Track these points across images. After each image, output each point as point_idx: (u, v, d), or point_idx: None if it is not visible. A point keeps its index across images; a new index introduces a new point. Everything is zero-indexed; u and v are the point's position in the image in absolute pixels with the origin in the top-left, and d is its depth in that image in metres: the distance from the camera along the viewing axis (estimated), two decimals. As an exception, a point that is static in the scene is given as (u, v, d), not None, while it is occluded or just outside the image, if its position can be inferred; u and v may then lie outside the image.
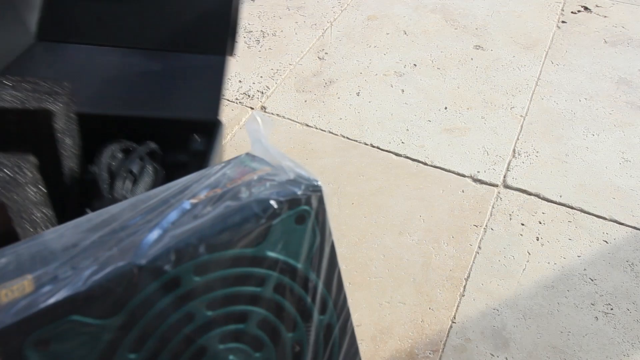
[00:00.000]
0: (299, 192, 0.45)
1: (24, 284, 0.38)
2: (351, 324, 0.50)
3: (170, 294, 0.41)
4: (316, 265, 0.46)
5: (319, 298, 0.47)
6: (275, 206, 0.43)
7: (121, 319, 0.40)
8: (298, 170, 0.48)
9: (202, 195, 0.44)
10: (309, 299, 0.47)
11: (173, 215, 0.42)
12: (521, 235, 1.35)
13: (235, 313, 0.44)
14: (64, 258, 0.39)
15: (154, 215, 0.42)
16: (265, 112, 1.74)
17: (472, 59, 1.95)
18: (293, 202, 0.44)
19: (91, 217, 0.44)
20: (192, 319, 0.43)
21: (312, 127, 1.68)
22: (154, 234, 0.41)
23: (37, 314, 0.37)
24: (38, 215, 0.55)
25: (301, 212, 0.45)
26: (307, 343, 0.47)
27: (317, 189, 0.46)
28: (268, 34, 2.07)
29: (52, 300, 0.37)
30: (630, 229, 1.37)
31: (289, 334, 0.47)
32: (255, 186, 0.44)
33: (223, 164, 0.49)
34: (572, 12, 2.18)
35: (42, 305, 0.37)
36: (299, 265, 0.46)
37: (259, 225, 0.42)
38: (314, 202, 0.45)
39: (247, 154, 0.52)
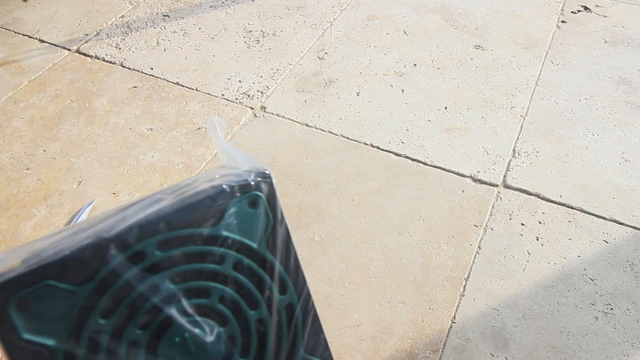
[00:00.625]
0: (250, 179, 0.50)
1: (13, 264, 0.44)
2: (312, 304, 0.54)
3: (136, 266, 0.46)
4: (272, 246, 0.51)
5: (277, 278, 0.51)
6: (228, 190, 0.48)
7: (92, 287, 0.45)
8: (251, 162, 0.52)
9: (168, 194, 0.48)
10: (268, 278, 0.51)
11: (139, 205, 0.48)
12: (521, 235, 1.35)
13: (198, 288, 0.49)
14: (49, 245, 0.43)
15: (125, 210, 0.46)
16: (265, 112, 1.74)
17: (472, 58, 1.95)
18: (244, 187, 0.49)
19: (80, 224, 0.48)
20: (158, 291, 0.47)
21: (312, 127, 1.68)
22: (120, 216, 0.47)
23: (18, 277, 0.43)
24: None
25: (253, 196, 0.50)
26: (270, 321, 0.50)
27: (266, 177, 0.51)
28: (268, 34, 2.07)
29: (31, 268, 0.43)
30: (630, 229, 1.37)
31: (252, 312, 0.50)
32: (214, 180, 0.49)
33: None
34: (572, 12, 2.18)
35: (23, 271, 0.43)
36: (255, 245, 0.51)
37: (214, 206, 0.47)
38: (264, 188, 0.50)
39: (220, 167, 0.57)
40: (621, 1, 2.23)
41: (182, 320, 0.48)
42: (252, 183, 0.50)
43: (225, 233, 0.49)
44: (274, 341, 0.51)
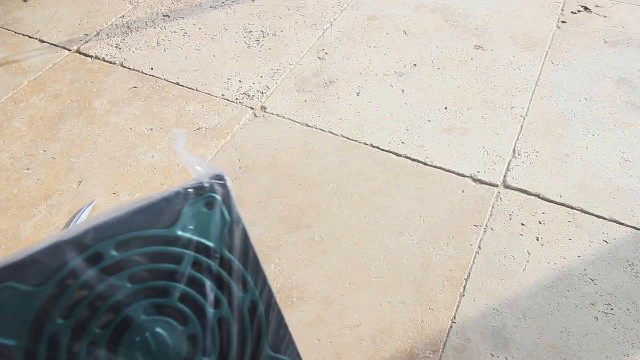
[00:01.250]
0: (204, 182, 0.51)
1: None
2: (275, 302, 0.54)
3: (94, 267, 0.47)
4: (230, 245, 0.52)
5: (237, 276, 0.52)
6: (182, 192, 0.50)
7: (51, 287, 0.47)
8: (208, 167, 0.53)
9: None
10: (227, 277, 0.52)
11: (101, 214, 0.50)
12: (521, 235, 1.35)
13: (157, 287, 0.50)
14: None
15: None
16: (265, 112, 1.74)
17: (472, 59, 1.95)
18: (199, 189, 0.51)
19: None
20: (117, 291, 0.49)
21: (312, 127, 1.68)
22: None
23: None
24: None
25: (208, 198, 0.51)
26: (232, 319, 0.51)
27: (221, 179, 0.52)
28: (268, 34, 2.07)
29: None
30: (630, 229, 1.37)
31: (212, 310, 0.51)
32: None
33: None
34: (572, 12, 2.18)
35: None
36: (212, 244, 0.51)
37: (169, 208, 0.49)
38: (219, 189, 0.52)
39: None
40: (621, 1, 2.23)
41: (142, 319, 0.49)
42: (207, 185, 0.52)
43: (180, 233, 0.51)
44: (238, 339, 0.51)
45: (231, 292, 0.52)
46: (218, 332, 0.51)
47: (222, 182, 0.53)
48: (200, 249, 0.51)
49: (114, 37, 2.06)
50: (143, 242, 0.49)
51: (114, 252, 0.48)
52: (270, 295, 0.53)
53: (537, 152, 1.59)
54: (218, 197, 0.52)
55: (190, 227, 0.51)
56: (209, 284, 0.51)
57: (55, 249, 0.47)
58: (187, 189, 0.52)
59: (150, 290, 0.50)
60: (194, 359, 0.50)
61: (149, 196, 0.51)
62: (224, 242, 0.52)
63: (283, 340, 0.54)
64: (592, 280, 1.25)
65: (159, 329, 0.50)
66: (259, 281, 0.53)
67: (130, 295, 0.49)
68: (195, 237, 0.51)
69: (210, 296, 0.51)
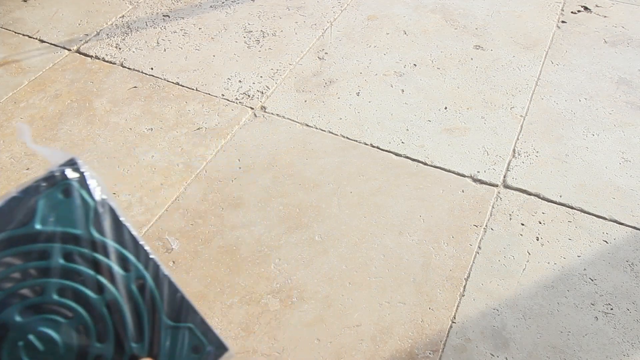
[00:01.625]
0: (55, 171, 0.51)
1: None
2: (164, 273, 0.54)
3: None
4: (99, 228, 0.51)
5: (115, 257, 0.51)
6: (33, 186, 0.49)
7: None
8: (58, 155, 0.53)
9: None
10: (104, 259, 0.52)
11: None
12: (521, 235, 1.35)
13: (30, 287, 0.49)
14: None
15: None
16: (265, 112, 1.74)
17: (472, 59, 1.95)
18: (50, 179, 0.50)
19: None
20: None
21: (312, 127, 1.68)
22: None
23: None
24: None
25: (63, 185, 0.50)
26: (121, 300, 0.51)
27: (73, 163, 0.51)
28: (268, 34, 2.07)
29: None
30: (630, 229, 1.37)
31: (97, 296, 0.51)
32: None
33: None
34: (572, 12, 2.18)
35: None
36: (79, 231, 0.50)
37: (22, 205, 0.48)
38: (72, 174, 0.51)
39: None
40: (621, 1, 2.23)
41: (18, 322, 0.48)
42: (58, 174, 0.51)
43: (40, 227, 0.49)
44: (132, 318, 0.51)
45: (113, 273, 0.51)
46: (109, 316, 0.51)
47: (75, 166, 0.52)
48: (67, 238, 0.50)
49: (114, 37, 2.06)
50: (2, 246, 0.48)
51: None
52: (157, 267, 0.53)
53: (537, 152, 1.59)
54: (73, 182, 0.51)
55: (51, 219, 0.50)
56: (85, 271, 0.50)
57: None
58: (37, 181, 0.51)
59: (22, 292, 0.49)
60: (89, 348, 0.50)
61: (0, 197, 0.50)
62: (92, 226, 0.51)
63: (181, 309, 0.54)
64: (592, 280, 1.25)
65: (42, 328, 0.49)
66: (141, 256, 0.53)
67: (1, 302, 0.48)
68: (58, 228, 0.50)
69: (91, 283, 0.51)
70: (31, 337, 0.48)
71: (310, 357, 1.10)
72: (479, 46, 2.01)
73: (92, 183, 0.53)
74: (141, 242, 0.53)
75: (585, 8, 2.20)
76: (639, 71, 1.88)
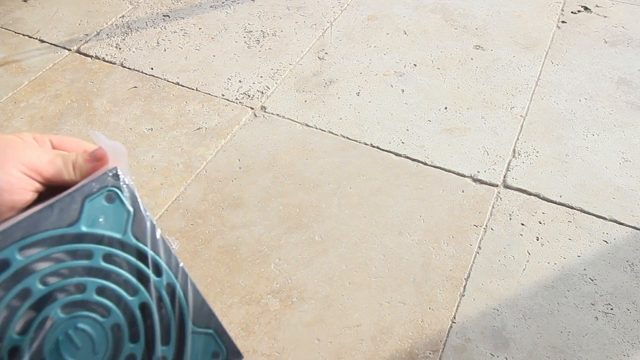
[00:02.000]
0: (98, 175, 0.55)
1: None
2: (191, 280, 0.58)
3: (1, 275, 0.48)
4: (139, 235, 0.55)
5: (150, 262, 0.54)
6: (80, 189, 0.53)
7: None
8: (112, 146, 0.60)
9: None
10: (140, 264, 0.55)
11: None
12: (521, 235, 1.35)
13: (73, 285, 0.52)
14: None
15: None
16: (265, 112, 1.74)
17: (472, 59, 1.95)
18: (96, 185, 0.54)
19: None
20: (30, 294, 0.50)
21: (312, 127, 1.68)
22: None
23: None
24: None
25: (107, 192, 0.54)
26: (152, 303, 0.54)
27: (114, 172, 0.55)
28: (268, 34, 2.07)
29: None
30: (630, 229, 1.37)
31: (132, 298, 0.54)
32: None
33: None
34: (572, 12, 2.18)
35: None
36: (119, 236, 0.53)
37: (70, 207, 0.52)
38: (115, 182, 0.55)
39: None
40: (621, 1, 2.23)
41: (60, 317, 0.51)
42: (105, 180, 0.55)
43: (85, 229, 0.53)
44: (161, 321, 0.54)
45: (147, 278, 0.54)
46: (141, 318, 0.53)
47: (116, 174, 0.56)
48: (109, 241, 0.54)
49: (114, 37, 2.07)
50: (49, 244, 0.51)
51: (19, 257, 0.50)
52: (185, 275, 0.56)
53: (537, 152, 1.59)
54: (117, 190, 0.55)
55: (95, 222, 0.54)
56: (123, 274, 0.53)
57: None
58: (84, 185, 0.54)
59: (65, 288, 0.52)
60: (122, 347, 0.52)
61: (48, 201, 0.53)
62: (131, 233, 0.55)
63: (204, 315, 0.57)
64: (592, 280, 1.25)
65: (81, 325, 0.52)
66: (172, 263, 0.56)
67: (45, 297, 0.51)
68: (100, 231, 0.54)
69: (128, 285, 0.54)
70: (71, 332, 0.51)
71: (310, 357, 1.10)
72: (479, 46, 2.01)
73: (131, 192, 0.56)
74: (172, 251, 0.56)
75: (585, 8, 2.20)
76: (639, 71, 1.88)
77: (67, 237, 0.52)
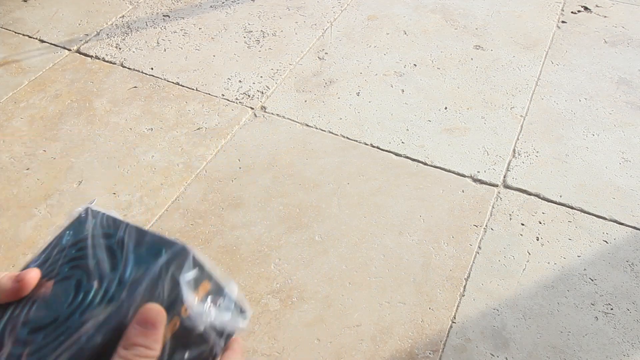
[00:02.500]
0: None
1: None
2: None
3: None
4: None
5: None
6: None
7: None
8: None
9: None
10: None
11: None
12: (521, 235, 1.35)
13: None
14: None
15: None
16: (265, 112, 1.74)
17: (472, 59, 1.95)
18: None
19: None
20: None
21: (312, 127, 1.68)
22: None
23: None
24: None
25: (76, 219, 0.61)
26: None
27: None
28: (268, 34, 2.07)
29: None
30: (630, 229, 1.37)
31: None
32: None
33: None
34: (572, 12, 2.18)
35: None
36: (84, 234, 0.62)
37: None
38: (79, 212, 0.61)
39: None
40: (621, 1, 2.23)
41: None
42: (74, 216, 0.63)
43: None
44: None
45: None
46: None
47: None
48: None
49: (114, 37, 2.07)
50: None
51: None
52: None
53: (537, 152, 1.59)
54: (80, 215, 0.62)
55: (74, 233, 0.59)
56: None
57: None
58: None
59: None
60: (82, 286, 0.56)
61: None
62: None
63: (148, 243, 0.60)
64: (592, 280, 1.25)
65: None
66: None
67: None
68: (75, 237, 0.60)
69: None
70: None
71: (310, 357, 1.10)
72: (479, 46, 2.01)
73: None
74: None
75: (585, 8, 2.20)
76: (639, 71, 1.88)
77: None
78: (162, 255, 0.54)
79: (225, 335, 0.54)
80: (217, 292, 0.55)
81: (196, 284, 0.54)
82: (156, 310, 0.46)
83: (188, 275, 0.54)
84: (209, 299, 0.54)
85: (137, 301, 0.51)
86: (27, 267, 0.56)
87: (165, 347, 0.48)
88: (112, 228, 0.61)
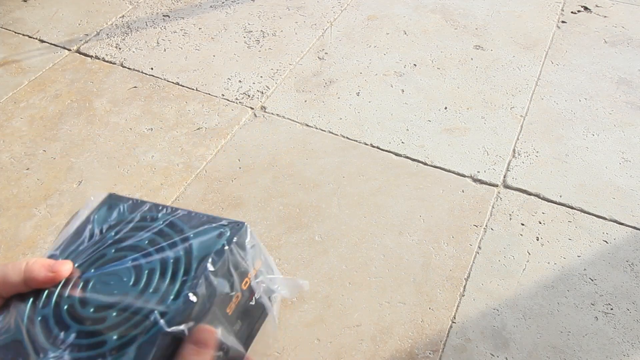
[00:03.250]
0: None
1: None
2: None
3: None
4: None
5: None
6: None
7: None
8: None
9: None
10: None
11: None
12: (521, 235, 1.35)
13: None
14: None
15: None
16: (265, 112, 1.74)
17: (472, 59, 1.95)
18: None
19: None
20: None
21: (312, 127, 1.68)
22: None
23: None
24: None
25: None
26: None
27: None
28: (268, 34, 2.07)
29: None
30: (630, 229, 1.37)
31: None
32: None
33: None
34: (572, 12, 2.18)
35: None
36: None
37: None
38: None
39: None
40: (621, 1, 2.23)
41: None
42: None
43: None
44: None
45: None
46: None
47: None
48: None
49: (114, 37, 2.07)
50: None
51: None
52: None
53: (537, 152, 1.59)
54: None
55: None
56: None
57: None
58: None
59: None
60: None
61: None
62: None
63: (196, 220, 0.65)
64: (592, 280, 1.25)
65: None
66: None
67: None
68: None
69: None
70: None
71: (310, 357, 1.10)
72: (479, 46, 2.01)
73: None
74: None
75: (585, 8, 2.20)
76: (639, 71, 1.88)
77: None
78: (225, 234, 0.57)
79: (276, 304, 0.59)
80: (267, 266, 0.59)
81: (253, 259, 0.58)
82: (209, 331, 0.49)
83: (250, 251, 0.58)
84: (263, 271, 0.58)
85: (210, 279, 0.53)
86: (52, 254, 0.56)
87: (230, 321, 0.52)
88: (153, 211, 0.62)
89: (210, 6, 2.23)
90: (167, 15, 2.19)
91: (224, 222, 0.60)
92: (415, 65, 1.92)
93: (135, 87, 1.84)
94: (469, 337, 1.14)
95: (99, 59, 1.96)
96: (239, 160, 1.57)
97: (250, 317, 0.55)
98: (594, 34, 2.05)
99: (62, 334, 0.51)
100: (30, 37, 2.07)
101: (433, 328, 1.15)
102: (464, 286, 1.24)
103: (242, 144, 1.62)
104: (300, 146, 1.61)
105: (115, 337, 0.49)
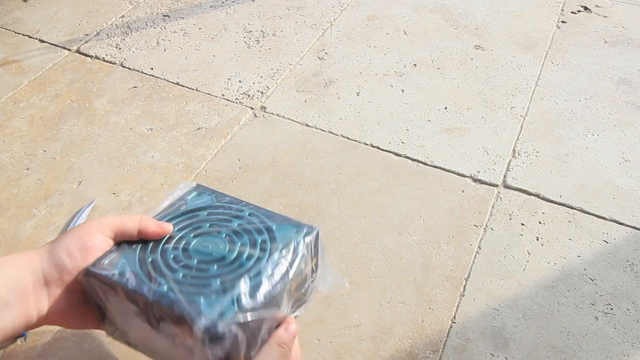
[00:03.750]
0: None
1: None
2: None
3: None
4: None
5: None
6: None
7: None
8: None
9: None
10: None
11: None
12: (521, 235, 1.36)
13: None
14: None
15: None
16: (265, 112, 1.74)
17: (472, 59, 1.95)
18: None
19: None
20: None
21: (312, 127, 1.68)
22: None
23: None
24: None
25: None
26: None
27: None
28: (268, 34, 2.07)
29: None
30: (630, 229, 1.37)
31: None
32: None
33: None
34: (572, 12, 2.18)
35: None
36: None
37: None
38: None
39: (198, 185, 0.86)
40: (621, 1, 2.23)
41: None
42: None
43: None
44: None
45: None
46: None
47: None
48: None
49: (114, 37, 2.07)
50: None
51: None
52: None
53: (537, 152, 1.59)
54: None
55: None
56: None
57: None
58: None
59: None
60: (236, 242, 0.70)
61: None
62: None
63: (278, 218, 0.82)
64: (592, 280, 1.25)
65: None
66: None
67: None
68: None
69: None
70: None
71: (310, 357, 1.10)
72: (479, 46, 2.01)
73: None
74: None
75: (585, 8, 2.20)
76: (639, 71, 1.88)
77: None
78: (302, 232, 0.71)
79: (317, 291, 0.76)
80: (322, 262, 0.73)
81: (320, 255, 0.72)
82: (292, 334, 0.62)
83: (317, 249, 0.72)
84: (317, 266, 0.72)
85: (292, 261, 0.66)
86: (155, 217, 0.70)
87: (290, 296, 0.65)
88: (237, 203, 0.77)
89: (210, 6, 2.23)
90: (167, 15, 2.19)
91: (301, 222, 0.72)
92: (415, 65, 1.92)
93: (135, 87, 1.84)
94: (469, 337, 1.14)
95: (99, 59, 1.96)
96: (239, 160, 1.57)
97: (300, 296, 0.69)
98: (594, 34, 2.06)
99: (170, 273, 0.60)
100: (30, 37, 2.07)
101: (433, 328, 1.16)
102: (464, 286, 1.24)
103: (242, 144, 1.62)
104: (300, 146, 1.61)
105: (218, 282, 0.59)
